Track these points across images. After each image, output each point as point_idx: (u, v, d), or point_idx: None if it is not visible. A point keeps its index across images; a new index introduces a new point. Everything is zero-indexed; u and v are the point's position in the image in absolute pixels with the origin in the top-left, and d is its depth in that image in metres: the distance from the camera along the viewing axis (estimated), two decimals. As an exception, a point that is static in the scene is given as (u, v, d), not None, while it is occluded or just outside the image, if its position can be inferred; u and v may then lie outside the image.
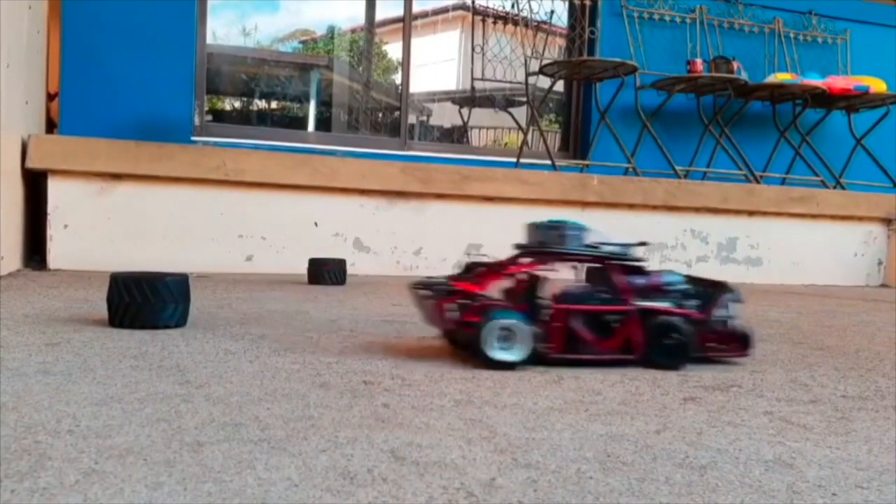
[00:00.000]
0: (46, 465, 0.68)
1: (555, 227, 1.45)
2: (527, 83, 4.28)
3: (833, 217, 4.30)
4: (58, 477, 0.65)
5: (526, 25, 4.45)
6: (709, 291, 1.45)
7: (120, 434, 0.79)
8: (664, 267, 3.96)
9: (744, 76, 4.49)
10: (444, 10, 5.52)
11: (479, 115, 5.10)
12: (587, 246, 1.47)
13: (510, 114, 4.99)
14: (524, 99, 4.50)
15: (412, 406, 0.97)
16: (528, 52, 4.32)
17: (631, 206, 3.91)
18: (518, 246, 1.46)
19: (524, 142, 4.45)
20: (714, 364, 1.40)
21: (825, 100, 4.63)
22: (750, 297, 3.02)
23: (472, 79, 4.53)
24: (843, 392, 1.19)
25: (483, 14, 4.55)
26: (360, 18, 5.03)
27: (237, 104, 5.13)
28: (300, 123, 5.13)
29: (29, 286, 2.34)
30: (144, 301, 1.51)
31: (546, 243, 1.44)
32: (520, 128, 4.82)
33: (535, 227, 1.46)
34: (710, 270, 4.05)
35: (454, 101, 5.30)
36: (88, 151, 3.11)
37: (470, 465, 0.74)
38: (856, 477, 0.75)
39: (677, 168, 4.31)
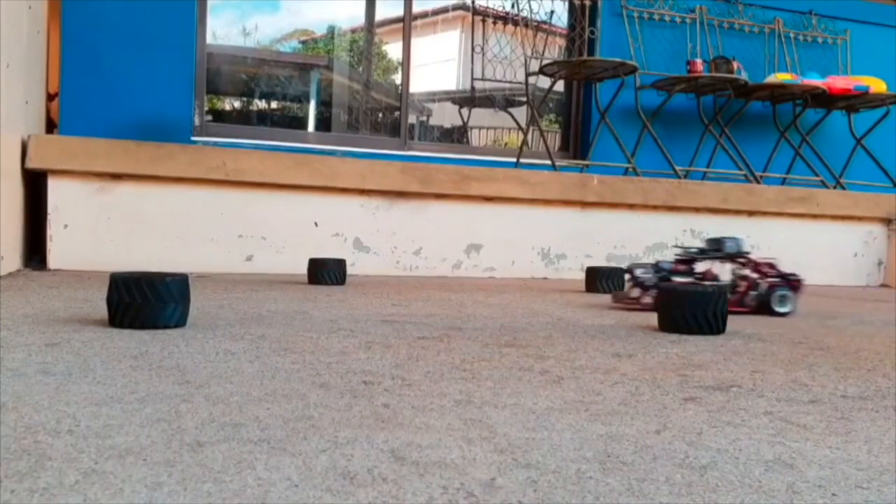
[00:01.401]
0: (46, 465, 0.68)
1: (718, 240, 2.41)
2: (527, 83, 4.28)
3: (833, 217, 4.31)
4: (58, 477, 0.65)
5: (526, 25, 4.45)
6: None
7: (120, 434, 0.79)
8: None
9: (744, 76, 4.49)
10: (444, 10, 5.51)
11: (479, 115, 5.10)
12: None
13: (510, 114, 4.99)
14: (524, 99, 4.50)
15: (412, 406, 0.97)
16: (528, 52, 4.33)
17: (631, 206, 3.91)
18: (701, 250, 2.40)
19: (524, 142, 4.45)
20: (714, 363, 1.40)
21: (825, 100, 4.63)
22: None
23: (472, 79, 4.53)
24: (843, 392, 1.19)
25: (483, 14, 4.55)
26: (360, 18, 5.03)
27: (237, 104, 5.13)
28: (300, 123, 5.13)
29: (29, 286, 2.34)
30: (144, 301, 1.51)
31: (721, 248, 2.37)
32: (520, 128, 4.82)
33: (713, 240, 2.44)
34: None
35: (454, 101, 5.29)
36: (88, 151, 3.11)
37: (470, 465, 0.74)
38: (856, 477, 0.75)
39: (677, 168, 4.31)
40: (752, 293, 2.32)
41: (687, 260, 2.36)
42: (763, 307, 2.31)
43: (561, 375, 1.22)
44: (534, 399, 1.04)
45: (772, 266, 2.41)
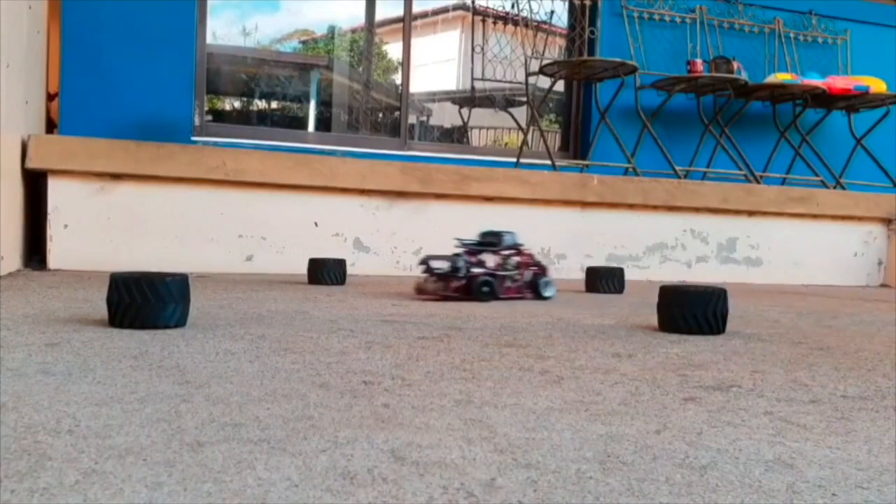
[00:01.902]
0: (46, 465, 0.68)
1: (497, 233, 2.59)
2: (527, 83, 4.29)
3: (833, 217, 4.31)
4: (58, 477, 0.65)
5: (526, 25, 4.45)
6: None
7: (120, 434, 0.79)
8: (664, 267, 3.98)
9: (744, 76, 4.49)
10: (444, 10, 5.52)
11: (479, 115, 5.10)
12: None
13: (510, 114, 4.99)
14: (524, 99, 4.50)
15: (412, 406, 0.97)
16: (528, 52, 4.33)
17: (631, 206, 3.91)
18: (479, 242, 2.57)
19: (524, 142, 4.45)
20: (714, 363, 1.40)
21: (825, 100, 4.63)
22: (750, 298, 3.02)
23: (472, 79, 4.53)
24: (843, 392, 1.19)
25: (483, 14, 4.55)
26: (360, 18, 5.03)
27: (237, 104, 5.13)
28: (300, 123, 5.13)
29: (29, 286, 2.34)
30: (144, 301, 1.51)
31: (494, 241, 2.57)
32: (520, 128, 4.82)
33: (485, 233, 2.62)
34: (710, 270, 4.05)
35: (454, 101, 5.29)
36: (88, 151, 3.11)
37: (470, 465, 0.74)
38: (856, 477, 0.75)
39: (677, 168, 4.31)
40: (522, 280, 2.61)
41: (474, 252, 2.52)
42: (530, 293, 2.60)
43: (561, 375, 1.22)
44: (534, 399, 1.04)
45: (531, 256, 2.65)
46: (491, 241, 2.59)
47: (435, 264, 2.45)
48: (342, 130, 4.90)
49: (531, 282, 2.60)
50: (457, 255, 2.49)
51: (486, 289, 2.44)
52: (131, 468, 0.68)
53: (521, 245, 2.63)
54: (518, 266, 2.58)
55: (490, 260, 2.52)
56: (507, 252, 2.57)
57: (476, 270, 2.46)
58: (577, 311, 2.25)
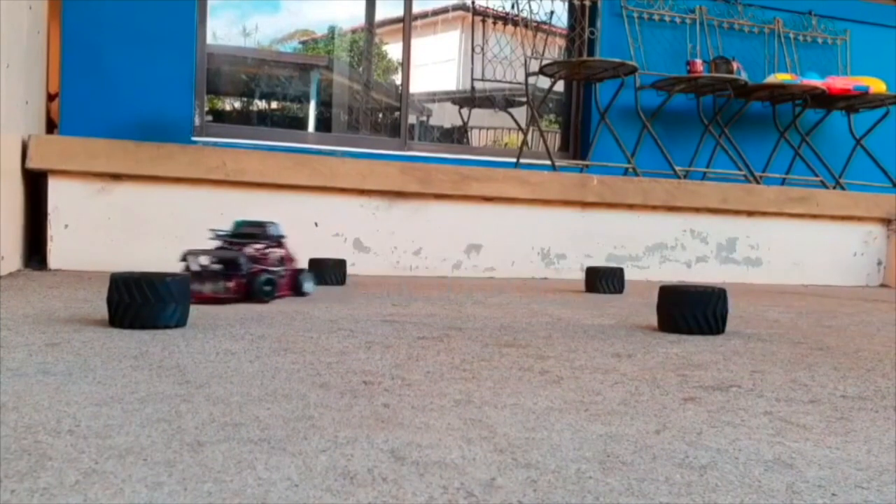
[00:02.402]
0: (46, 465, 0.68)
1: (259, 223, 2.31)
2: (527, 83, 4.28)
3: (833, 217, 4.31)
4: (58, 477, 0.65)
5: (526, 26, 4.45)
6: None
7: (120, 434, 0.79)
8: (664, 267, 3.98)
9: (744, 76, 4.49)
10: (444, 10, 5.52)
11: (479, 115, 5.10)
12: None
13: (510, 114, 4.99)
14: (524, 99, 4.50)
15: (412, 406, 0.97)
16: (528, 53, 4.33)
17: (631, 206, 3.91)
18: (236, 234, 2.26)
19: (524, 142, 4.45)
20: (714, 363, 1.40)
21: (825, 100, 4.63)
22: (750, 298, 3.02)
23: (472, 79, 4.53)
24: (843, 392, 1.19)
25: (483, 14, 4.55)
26: (360, 18, 5.03)
27: (237, 104, 5.13)
28: (300, 123, 5.13)
29: (29, 286, 2.34)
30: (144, 301, 1.51)
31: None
32: (520, 128, 4.82)
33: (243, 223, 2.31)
34: (710, 270, 4.05)
35: (454, 101, 5.29)
36: (88, 151, 3.11)
37: (470, 465, 0.74)
38: (856, 477, 0.75)
39: (677, 168, 4.31)
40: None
41: (237, 245, 2.19)
42: (290, 290, 2.34)
43: (561, 375, 1.22)
44: (534, 399, 1.04)
45: (289, 250, 2.43)
46: (253, 232, 2.26)
47: (205, 261, 2.08)
48: (342, 130, 4.90)
49: (292, 277, 2.35)
50: (222, 248, 2.17)
51: (268, 287, 2.13)
52: (131, 468, 0.68)
53: (284, 237, 2.36)
54: (282, 261, 2.31)
55: (265, 253, 2.23)
56: (270, 245, 2.28)
57: (254, 267, 2.15)
58: (576, 311, 2.25)
